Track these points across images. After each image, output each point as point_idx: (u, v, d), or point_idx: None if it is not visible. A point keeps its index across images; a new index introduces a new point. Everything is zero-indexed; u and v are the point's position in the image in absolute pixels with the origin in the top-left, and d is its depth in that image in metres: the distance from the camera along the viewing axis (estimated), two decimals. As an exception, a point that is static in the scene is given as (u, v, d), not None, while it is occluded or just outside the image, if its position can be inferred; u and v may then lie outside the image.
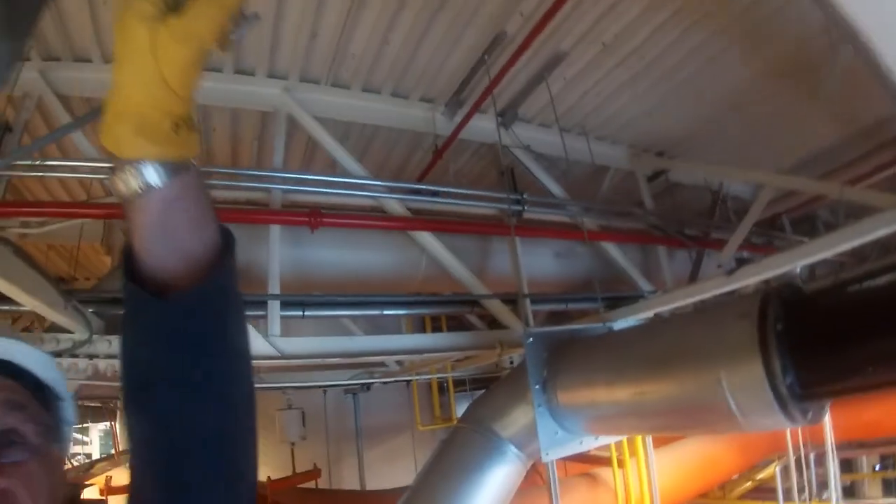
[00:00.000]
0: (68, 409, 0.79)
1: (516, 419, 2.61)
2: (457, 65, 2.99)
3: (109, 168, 0.65)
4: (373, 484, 6.36)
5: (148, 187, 0.60)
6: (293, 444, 5.90)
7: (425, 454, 6.13)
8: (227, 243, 0.69)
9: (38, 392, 0.74)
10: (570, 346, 2.50)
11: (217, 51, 0.60)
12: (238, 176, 2.82)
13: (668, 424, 2.24)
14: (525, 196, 3.28)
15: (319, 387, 5.37)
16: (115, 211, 2.53)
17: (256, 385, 0.76)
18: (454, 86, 3.14)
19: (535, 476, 3.75)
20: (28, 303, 2.21)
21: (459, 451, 2.69)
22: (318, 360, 2.98)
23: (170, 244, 0.64)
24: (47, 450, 0.70)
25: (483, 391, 3.21)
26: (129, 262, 0.66)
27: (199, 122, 0.65)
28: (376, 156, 3.70)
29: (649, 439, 4.08)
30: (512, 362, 3.84)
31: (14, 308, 2.42)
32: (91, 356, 2.51)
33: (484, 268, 3.32)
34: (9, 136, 2.61)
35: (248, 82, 2.91)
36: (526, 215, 3.30)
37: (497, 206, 3.32)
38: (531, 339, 2.53)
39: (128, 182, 0.60)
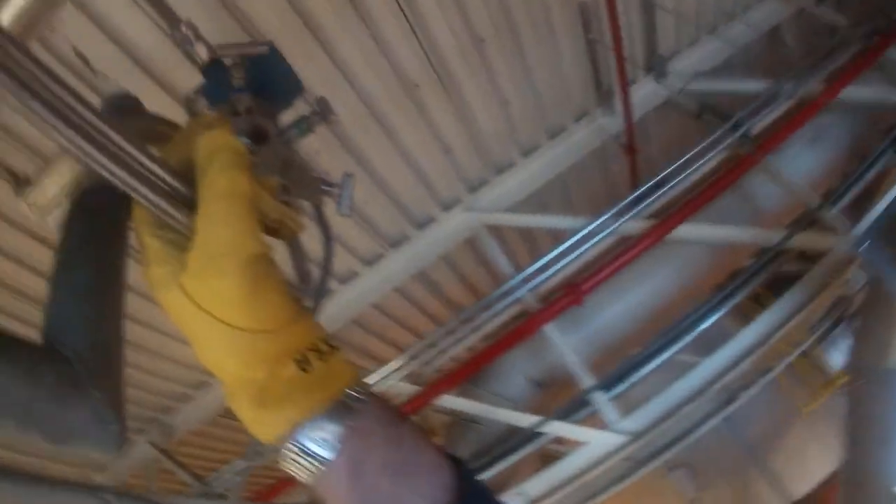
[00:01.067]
0: None
1: None
2: (571, 59, 2.87)
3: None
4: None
5: (321, 461, 0.45)
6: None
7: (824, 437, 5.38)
8: (460, 470, 0.50)
9: None
10: None
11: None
12: (487, 305, 2.84)
13: None
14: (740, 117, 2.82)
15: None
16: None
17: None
18: (588, 82, 2.97)
19: None
20: None
21: (870, 410, 2.40)
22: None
23: None
24: None
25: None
26: None
27: (335, 340, 0.50)
28: (582, 197, 3.61)
29: None
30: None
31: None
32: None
33: (757, 212, 2.89)
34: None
35: (446, 219, 3.06)
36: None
37: (724, 146, 2.85)
38: (866, 245, 2.28)
39: (298, 464, 0.46)
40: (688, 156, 2.81)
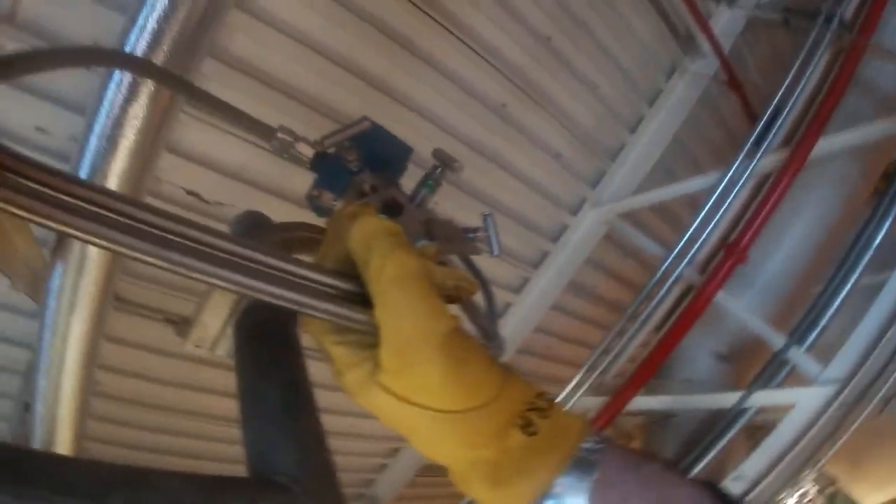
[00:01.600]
0: None
1: None
2: (638, 19, 2.73)
3: None
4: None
5: None
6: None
7: None
8: (718, 494, 0.45)
9: None
10: None
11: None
12: (649, 294, 2.69)
13: None
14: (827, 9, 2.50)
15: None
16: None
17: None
18: (664, 34, 2.82)
19: None
20: None
21: None
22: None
23: None
24: None
25: None
26: None
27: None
28: (705, 152, 3.40)
29: None
30: None
31: None
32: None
33: (885, 99, 2.52)
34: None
35: (577, 223, 3.00)
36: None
37: (824, 45, 2.53)
38: None
39: None
40: (794, 69, 2.51)
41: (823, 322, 2.30)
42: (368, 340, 0.45)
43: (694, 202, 2.73)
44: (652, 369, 2.57)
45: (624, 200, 2.91)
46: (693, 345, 2.76)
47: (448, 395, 0.42)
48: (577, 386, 2.71)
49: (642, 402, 2.59)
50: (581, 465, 0.42)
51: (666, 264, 2.62)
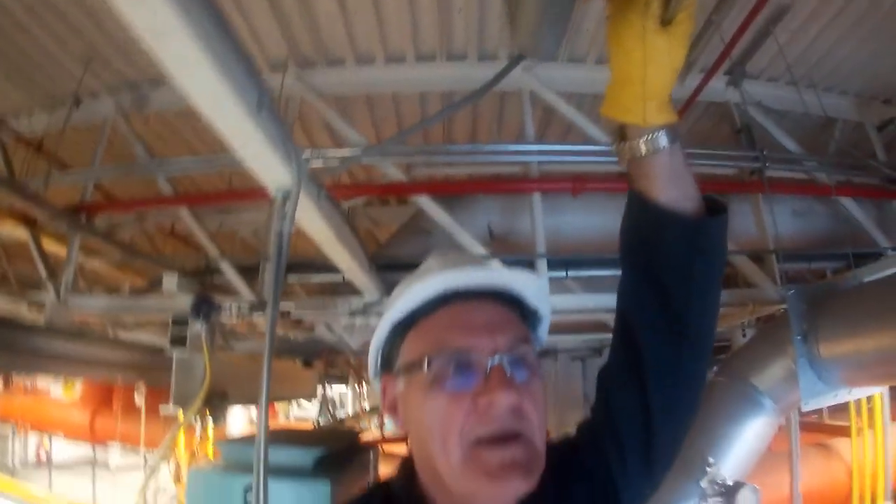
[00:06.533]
0: (544, 331, 0.89)
1: (774, 372, 2.69)
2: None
3: (617, 138, 0.80)
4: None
5: (662, 148, 0.75)
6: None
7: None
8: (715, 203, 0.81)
9: (525, 315, 0.84)
10: (828, 298, 2.56)
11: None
12: (500, 151, 3.28)
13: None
14: (766, 153, 3.26)
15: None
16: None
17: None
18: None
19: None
20: (349, 267, 2.36)
21: (717, 404, 2.77)
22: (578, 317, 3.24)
23: (677, 188, 0.77)
24: (540, 371, 0.78)
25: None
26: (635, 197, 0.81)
27: None
28: (609, 124, 3.63)
29: (887, 409, 3.85)
30: (744, 333, 3.99)
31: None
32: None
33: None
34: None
35: (493, 67, 3.13)
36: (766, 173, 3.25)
37: (736, 165, 3.36)
38: (793, 292, 2.63)
39: (645, 145, 0.75)
40: (711, 151, 3.20)
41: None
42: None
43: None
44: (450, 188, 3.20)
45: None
46: (482, 208, 3.37)
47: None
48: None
49: (426, 203, 3.09)
50: (676, 131, 0.75)
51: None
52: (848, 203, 3.40)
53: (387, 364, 0.83)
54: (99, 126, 3.55)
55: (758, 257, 3.27)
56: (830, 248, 3.45)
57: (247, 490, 2.41)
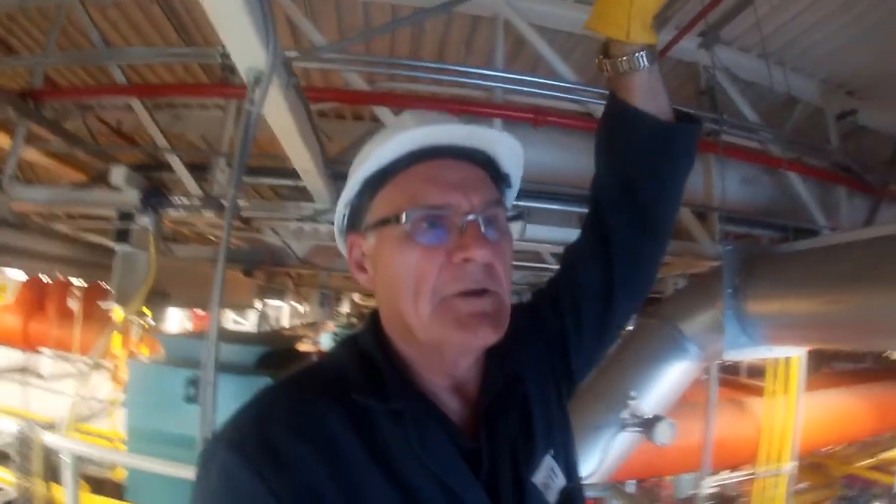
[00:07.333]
0: (511, 197, 0.89)
1: (701, 320, 2.80)
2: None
3: (602, 55, 0.87)
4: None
5: (641, 67, 0.83)
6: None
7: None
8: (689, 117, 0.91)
9: (497, 179, 0.83)
10: (762, 259, 2.68)
11: None
12: (466, 73, 3.18)
13: (856, 338, 2.36)
14: (725, 117, 3.34)
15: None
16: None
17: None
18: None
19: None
20: (306, 168, 2.27)
21: (645, 344, 2.90)
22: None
23: (652, 103, 0.85)
24: (509, 234, 0.79)
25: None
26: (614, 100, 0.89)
27: None
28: (577, 64, 3.57)
29: (803, 375, 4.13)
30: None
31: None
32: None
33: None
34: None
35: None
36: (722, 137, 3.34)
37: (694, 125, 3.45)
38: (730, 248, 2.74)
39: (628, 63, 0.82)
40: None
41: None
42: None
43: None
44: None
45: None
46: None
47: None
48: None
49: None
50: (655, 52, 0.84)
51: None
52: (795, 179, 3.55)
53: (354, 222, 0.81)
54: (53, 11, 3.30)
55: (701, 214, 3.42)
56: (772, 218, 3.64)
57: (189, 382, 2.41)
